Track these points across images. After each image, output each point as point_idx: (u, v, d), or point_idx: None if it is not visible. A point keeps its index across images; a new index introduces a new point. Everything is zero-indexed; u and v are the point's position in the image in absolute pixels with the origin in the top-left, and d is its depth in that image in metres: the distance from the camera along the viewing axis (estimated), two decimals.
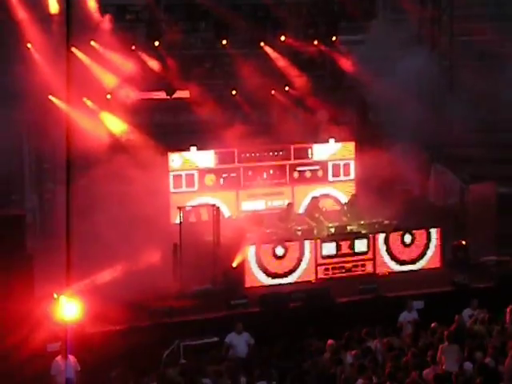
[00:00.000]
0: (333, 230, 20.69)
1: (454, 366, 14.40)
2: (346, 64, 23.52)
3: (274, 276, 19.65)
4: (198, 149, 21.68)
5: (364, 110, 23.82)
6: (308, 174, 22.79)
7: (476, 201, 21.93)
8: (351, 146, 22.87)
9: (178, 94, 22.53)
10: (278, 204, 22.07)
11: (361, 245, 20.29)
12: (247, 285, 19.38)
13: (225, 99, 22.83)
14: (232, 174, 22.09)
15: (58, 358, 14.79)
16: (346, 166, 22.91)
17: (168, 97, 22.47)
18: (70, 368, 14.19)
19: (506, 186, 21.90)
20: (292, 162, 22.58)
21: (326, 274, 19.99)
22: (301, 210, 22.41)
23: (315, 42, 23.73)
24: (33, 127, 20.71)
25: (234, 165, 22.07)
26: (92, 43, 21.01)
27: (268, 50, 23.25)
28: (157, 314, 17.39)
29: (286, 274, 19.74)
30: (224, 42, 22.72)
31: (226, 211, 21.76)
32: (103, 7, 20.95)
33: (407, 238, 20.57)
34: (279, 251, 19.71)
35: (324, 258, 20.01)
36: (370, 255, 20.31)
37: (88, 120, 20.27)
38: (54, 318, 13.93)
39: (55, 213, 19.96)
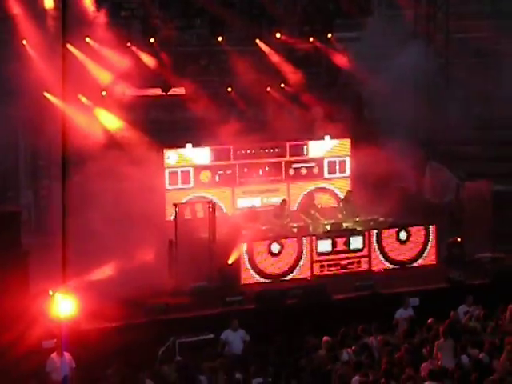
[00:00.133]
0: (328, 227, 20.70)
1: (451, 362, 14.43)
2: (341, 61, 23.54)
3: (270, 273, 19.64)
4: (194, 145, 21.66)
5: (359, 106, 23.84)
6: (303, 171, 22.79)
7: (471, 198, 21.95)
8: (347, 142, 22.87)
9: (174, 91, 22.51)
10: (273, 201, 22.06)
11: (356, 242, 20.29)
12: (243, 281, 19.37)
13: (220, 96, 22.83)
14: (228, 171, 22.07)
15: (54, 354, 14.78)
16: (342, 162, 22.91)
17: (163, 93, 22.46)
18: (66, 365, 14.19)
19: (502, 184, 21.92)
20: (287, 158, 22.58)
21: (321, 271, 19.99)
22: (296, 207, 22.42)
23: (311, 39, 23.74)
24: (28, 124, 20.69)
25: (230, 162, 22.06)
26: (87, 40, 20.99)
27: (263, 46, 23.25)
28: (152, 310, 17.37)
29: (281, 271, 19.73)
30: (219, 38, 22.72)
31: (221, 208, 21.75)
32: (98, 4, 20.91)
33: (403, 235, 20.58)
34: (275, 248, 19.69)
35: (319, 254, 20.00)
36: (365, 252, 20.31)
37: (83, 117, 20.25)
38: (50, 314, 13.93)
39: (50, 209, 19.95)
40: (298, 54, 23.77)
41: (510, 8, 25.45)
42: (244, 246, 19.40)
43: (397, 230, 20.55)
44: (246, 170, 22.20)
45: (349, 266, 20.17)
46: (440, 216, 21.46)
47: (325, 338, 15.45)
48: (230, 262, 19.23)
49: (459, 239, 21.05)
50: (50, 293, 15.85)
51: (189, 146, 21.61)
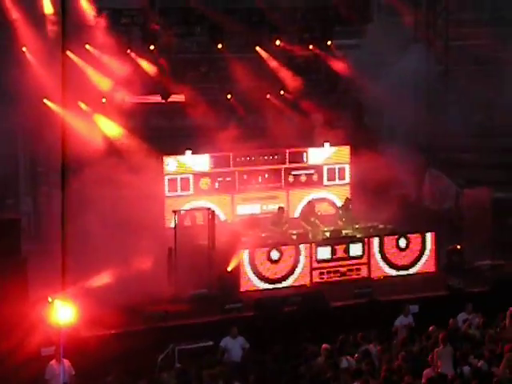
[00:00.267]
0: (328, 234, 20.69)
1: (450, 369, 14.42)
2: (341, 68, 23.55)
3: (269, 280, 19.63)
4: (193, 152, 21.68)
5: (359, 113, 23.85)
6: (303, 178, 22.80)
7: (471, 205, 21.95)
8: (346, 149, 22.88)
9: (173, 98, 22.51)
10: (273, 208, 22.08)
11: (356, 249, 20.28)
12: (242, 289, 19.35)
13: (220, 103, 22.84)
14: (227, 178, 22.08)
15: (53, 361, 14.76)
16: (341, 170, 22.93)
17: (163, 100, 22.45)
18: (65, 372, 14.18)
19: (502, 191, 21.92)
20: (287, 166, 22.60)
21: (320, 278, 19.97)
22: (296, 214, 22.42)
23: (310, 46, 23.75)
24: (28, 131, 20.68)
25: (229, 169, 22.07)
26: (87, 46, 20.99)
27: (263, 54, 23.27)
28: (152, 318, 17.35)
29: (281, 278, 19.72)
30: (219, 45, 22.73)
31: (221, 215, 21.75)
32: (98, 11, 20.92)
33: (402, 242, 20.57)
34: (274, 255, 19.68)
35: (319, 262, 19.99)
36: (364, 259, 20.30)
37: (83, 123, 20.25)
38: (49, 321, 13.91)
39: (50, 216, 19.93)
40: (298, 61, 23.79)
41: (510, 15, 25.49)
42: (245, 253, 19.39)
43: (396, 237, 20.55)
44: (245, 177, 22.21)
45: (348, 273, 20.16)
46: (439, 223, 21.44)
47: (324, 345, 15.44)
48: (229, 269, 19.22)
49: (459, 246, 21.05)
50: (50, 300, 15.84)
51: (188, 153, 21.64)
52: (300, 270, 19.82)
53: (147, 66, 22.07)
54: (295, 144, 22.57)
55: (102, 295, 16.66)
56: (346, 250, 20.18)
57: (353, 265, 20.22)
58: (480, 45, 24.43)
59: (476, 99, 22.70)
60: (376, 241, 20.42)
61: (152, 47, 22.10)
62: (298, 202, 22.61)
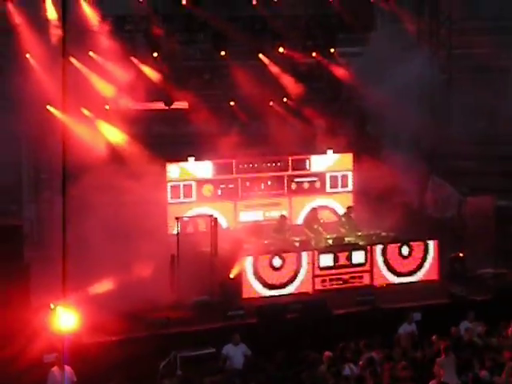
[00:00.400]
0: (330, 242, 20.69)
1: (453, 379, 14.39)
2: (343, 75, 23.56)
3: (272, 287, 19.62)
4: (196, 159, 21.70)
5: (362, 121, 23.85)
6: (306, 185, 22.80)
7: (474, 213, 21.94)
8: (349, 157, 22.89)
9: (177, 105, 22.54)
10: (275, 215, 22.09)
11: (358, 256, 20.26)
12: (244, 296, 19.34)
13: (223, 110, 22.85)
14: (230, 185, 22.09)
15: (55, 368, 14.75)
16: (344, 177, 22.93)
17: (166, 107, 22.48)
18: (67, 379, 14.17)
19: (505, 199, 21.91)
20: (290, 173, 22.60)
21: (323, 286, 19.96)
22: (299, 221, 22.41)
23: (313, 54, 23.77)
24: (31, 137, 20.71)
25: (232, 175, 22.08)
26: (90, 53, 21.02)
27: (266, 61, 23.29)
28: (154, 324, 17.34)
29: (283, 285, 19.72)
30: (222, 53, 22.76)
31: (223, 222, 21.74)
32: (102, 17, 20.96)
33: (405, 250, 20.55)
34: (276, 262, 19.68)
35: (321, 269, 19.98)
36: (367, 267, 20.28)
37: (86, 130, 20.27)
38: (51, 328, 13.94)
39: (53, 223, 19.93)
40: (301, 68, 23.81)
41: None
42: (247, 260, 19.39)
43: (399, 244, 20.54)
44: (248, 183, 22.22)
45: (350, 281, 20.15)
46: (442, 231, 21.43)
47: (326, 352, 15.43)
48: (231, 276, 19.22)
49: (461, 254, 21.03)
50: (52, 306, 15.85)
51: (191, 159, 21.65)
52: (302, 277, 19.81)
53: (150, 72, 22.09)
54: (298, 151, 22.58)
55: (104, 302, 16.66)
56: (349, 258, 20.18)
57: (355, 272, 20.20)
58: (483, 53, 24.43)
59: (479, 107, 22.72)
60: (379, 248, 20.41)
61: (155, 54, 22.13)
62: (301, 209, 22.60)
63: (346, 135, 23.02)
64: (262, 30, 22.94)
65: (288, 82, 23.41)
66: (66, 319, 12.19)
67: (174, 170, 21.46)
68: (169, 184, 21.38)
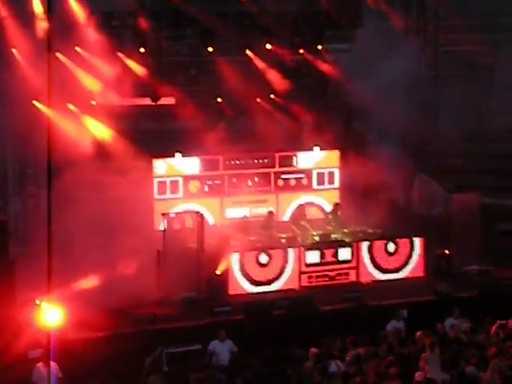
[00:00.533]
0: (317, 238, 20.70)
1: (438, 374, 14.44)
2: (331, 72, 23.57)
3: (258, 284, 19.62)
4: (183, 155, 21.65)
5: (349, 118, 23.86)
6: (292, 182, 22.80)
7: (460, 211, 21.98)
8: (336, 154, 22.89)
9: (163, 101, 22.49)
10: (262, 211, 22.08)
11: (344, 253, 20.29)
12: (231, 292, 19.33)
13: (210, 106, 22.82)
14: (216, 181, 22.06)
15: (40, 364, 14.70)
16: (331, 174, 22.93)
17: (153, 103, 22.43)
18: (52, 375, 14.12)
19: (490, 197, 21.97)
20: (277, 169, 22.58)
21: (309, 282, 19.97)
22: (286, 218, 22.41)
23: (301, 51, 23.77)
24: (17, 132, 20.61)
25: (219, 172, 22.05)
26: (77, 49, 20.94)
27: (254, 57, 23.26)
28: (140, 321, 17.32)
29: (269, 282, 19.72)
30: (210, 49, 22.72)
31: (210, 218, 21.71)
32: (89, 12, 20.87)
33: (391, 247, 20.60)
34: (263, 259, 19.68)
35: (308, 266, 19.99)
36: (353, 264, 20.32)
37: (72, 126, 20.19)
38: (36, 324, 13.88)
39: (38, 218, 19.86)
40: (288, 65, 23.79)
41: (501, 21, 25.57)
42: (234, 257, 19.37)
43: (385, 241, 20.58)
44: (235, 180, 22.19)
45: (337, 278, 20.18)
46: (428, 228, 21.47)
47: (312, 349, 15.44)
48: (218, 272, 19.21)
49: (447, 252, 21.09)
50: (37, 302, 15.79)
51: (178, 155, 21.60)
52: (288, 273, 19.83)
53: (137, 68, 22.03)
54: (284, 148, 22.56)
55: (91, 298, 16.61)
56: (335, 255, 20.20)
57: (342, 269, 20.23)
58: (470, 50, 24.50)
59: (466, 105, 22.77)
60: (365, 245, 20.45)
61: (142, 50, 22.07)
62: (288, 205, 22.58)
63: (332, 132, 23.04)
64: (249, 26, 22.90)
65: (275, 78, 23.40)
66: (51, 315, 12.14)
67: (160, 165, 21.41)
68: (155, 180, 21.33)
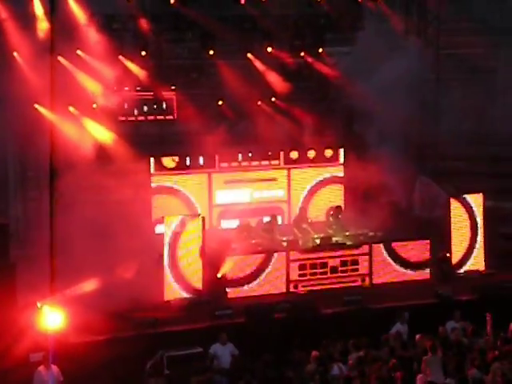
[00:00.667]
0: (318, 241, 20.67)
1: (440, 377, 14.43)
2: (332, 75, 23.58)
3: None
4: (183, 158, 21.55)
5: (350, 120, 23.85)
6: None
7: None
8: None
9: (164, 104, 22.49)
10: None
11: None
12: (230, 295, 19.28)
13: (211, 109, 22.81)
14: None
15: (41, 367, 14.69)
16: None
17: (154, 106, 22.42)
18: (53, 378, 14.11)
19: (492, 200, 21.94)
20: (281, 165, 21.65)
21: (310, 285, 19.91)
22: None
23: (302, 54, 23.79)
24: (18, 135, 20.60)
25: (215, 169, 21.10)
26: (78, 52, 20.95)
27: (254, 60, 23.28)
28: (141, 324, 17.30)
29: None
30: (211, 52, 22.74)
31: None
32: (90, 16, 20.88)
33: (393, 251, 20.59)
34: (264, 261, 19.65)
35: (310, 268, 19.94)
36: (355, 266, 20.28)
37: (73, 128, 20.19)
38: (37, 327, 13.87)
39: (39, 222, 19.85)
40: (289, 67, 23.81)
41: (501, 24, 25.55)
42: (234, 260, 19.34)
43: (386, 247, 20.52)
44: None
45: (338, 280, 20.12)
46: (429, 231, 21.45)
47: (314, 352, 15.43)
48: (219, 275, 19.18)
49: (448, 254, 21.08)
50: (38, 305, 15.78)
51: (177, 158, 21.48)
52: (290, 276, 19.74)
53: (138, 71, 22.04)
54: (286, 150, 22.52)
55: (91, 301, 16.59)
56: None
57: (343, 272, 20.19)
58: (472, 53, 24.50)
59: (467, 107, 22.73)
60: (382, 246, 20.25)
61: (143, 53, 22.10)
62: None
63: (333, 134, 23.01)
64: (250, 29, 22.94)
65: (276, 81, 23.40)
66: (52, 318, 12.16)
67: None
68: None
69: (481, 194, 21.45)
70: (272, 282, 19.43)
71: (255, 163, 21.60)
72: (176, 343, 16.79)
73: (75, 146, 19.46)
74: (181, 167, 20.88)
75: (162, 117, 22.59)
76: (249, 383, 14.36)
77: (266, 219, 21.27)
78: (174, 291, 18.97)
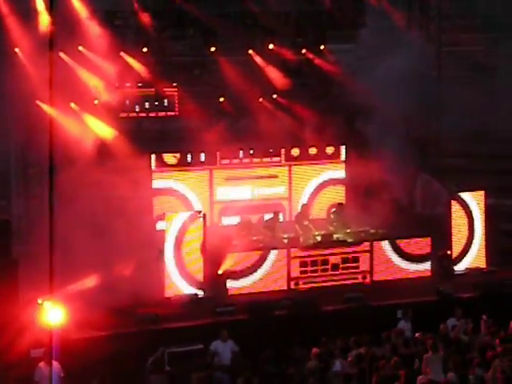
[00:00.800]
0: (319, 239, 20.68)
1: (439, 376, 14.43)
2: (333, 72, 23.57)
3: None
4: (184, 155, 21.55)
5: (351, 117, 23.84)
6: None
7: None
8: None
9: (165, 100, 22.48)
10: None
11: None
12: (231, 292, 19.29)
13: (212, 106, 22.81)
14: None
15: (42, 363, 14.73)
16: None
17: (155, 102, 22.43)
18: (54, 374, 14.14)
19: (493, 197, 21.94)
20: (283, 162, 21.59)
21: (311, 283, 19.92)
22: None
23: (303, 51, 23.78)
24: (19, 132, 20.63)
25: (216, 166, 21.05)
26: (80, 48, 20.95)
27: (256, 57, 23.27)
28: (142, 320, 17.32)
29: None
30: (212, 48, 22.74)
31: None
32: (91, 12, 20.88)
33: (396, 248, 20.58)
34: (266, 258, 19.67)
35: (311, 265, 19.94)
36: (356, 264, 20.28)
37: (75, 125, 20.19)
38: (39, 323, 13.88)
39: (41, 218, 19.86)
40: (291, 64, 23.79)
41: (503, 21, 25.52)
42: (235, 256, 19.35)
43: (390, 241, 20.51)
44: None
45: (339, 278, 20.13)
46: (431, 228, 21.45)
47: (314, 349, 15.45)
48: (220, 272, 19.20)
49: (449, 252, 21.08)
50: (40, 301, 15.80)
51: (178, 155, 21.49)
52: (291, 273, 19.76)
53: (140, 67, 22.04)
54: (287, 147, 22.51)
55: (93, 297, 16.63)
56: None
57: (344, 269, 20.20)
58: (473, 50, 24.48)
59: (469, 105, 22.70)
60: (385, 243, 20.22)
61: (145, 49, 22.09)
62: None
63: (335, 131, 23.00)
64: (252, 26, 22.93)
65: (277, 77, 23.38)
66: (53, 314, 12.15)
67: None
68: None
69: (482, 192, 21.45)
70: (273, 279, 19.42)
71: (256, 160, 21.69)
72: (177, 340, 16.82)
73: (76, 143, 19.47)
74: (182, 164, 21.03)
75: (163, 113, 22.54)
76: (249, 380, 14.39)
77: (268, 216, 21.28)
78: (175, 288, 18.98)
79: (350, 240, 20.63)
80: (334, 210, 21.96)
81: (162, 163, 20.85)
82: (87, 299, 16.37)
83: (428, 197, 23.19)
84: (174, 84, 22.46)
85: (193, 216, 19.77)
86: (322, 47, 23.86)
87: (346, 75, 22.94)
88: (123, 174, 19.67)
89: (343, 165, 22.55)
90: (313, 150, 22.38)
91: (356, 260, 20.18)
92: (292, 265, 19.68)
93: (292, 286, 19.63)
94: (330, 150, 22.62)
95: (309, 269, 19.79)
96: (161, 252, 19.26)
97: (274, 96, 23.64)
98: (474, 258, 21.24)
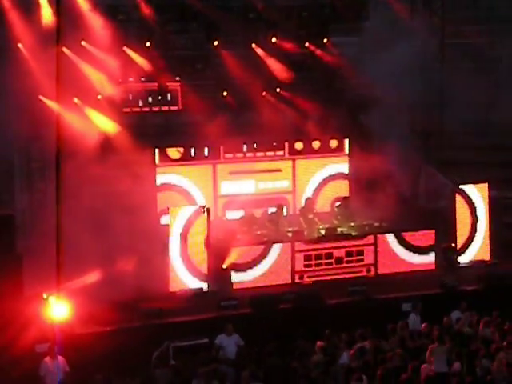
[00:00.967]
0: (323, 232, 20.67)
1: (443, 367, 14.46)
2: (337, 65, 23.54)
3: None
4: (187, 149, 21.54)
5: (355, 110, 23.82)
6: (316, 145, 21.15)
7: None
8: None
9: (169, 94, 22.47)
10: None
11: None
12: (235, 286, 19.30)
13: (215, 99, 22.80)
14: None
15: (47, 358, 14.76)
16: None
17: (158, 97, 22.42)
18: (59, 369, 14.17)
19: (497, 189, 21.92)
20: (286, 156, 21.61)
21: (315, 276, 19.93)
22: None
23: (306, 44, 23.75)
24: (22, 126, 20.63)
25: (220, 160, 21.06)
26: (83, 43, 20.95)
27: (259, 51, 23.25)
28: (147, 314, 17.34)
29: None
30: (215, 42, 22.72)
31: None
32: (94, 7, 20.86)
33: (401, 240, 20.56)
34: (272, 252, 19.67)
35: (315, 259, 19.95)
36: (360, 257, 20.28)
37: (78, 120, 20.20)
38: (44, 318, 13.91)
39: (45, 213, 19.88)
40: (294, 58, 23.76)
41: (506, 13, 25.47)
42: (239, 250, 19.35)
43: (394, 234, 20.50)
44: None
45: (343, 271, 20.13)
46: (434, 221, 21.44)
47: (319, 342, 15.46)
48: (224, 266, 19.21)
49: (453, 244, 21.08)
50: (44, 296, 15.83)
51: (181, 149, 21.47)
52: (295, 267, 19.76)
53: (143, 62, 22.03)
54: (291, 140, 22.49)
55: (97, 292, 16.64)
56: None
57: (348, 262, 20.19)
58: (476, 42, 24.44)
59: (473, 97, 22.68)
60: (390, 236, 20.19)
61: (148, 43, 22.08)
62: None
63: (338, 124, 22.98)
64: (255, 19, 22.90)
65: (281, 71, 23.36)
66: (58, 309, 12.19)
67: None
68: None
69: (486, 184, 21.43)
70: (277, 273, 19.42)
71: (260, 154, 21.68)
72: (182, 334, 16.83)
73: (80, 137, 19.47)
74: (185, 158, 21.05)
75: (166, 108, 22.54)
76: (254, 373, 14.39)
77: (272, 210, 21.27)
78: (179, 282, 19.00)
79: (354, 233, 20.62)
80: (338, 203, 21.94)
81: (165, 158, 20.88)
82: (91, 294, 16.39)
83: (432, 189, 23.17)
84: (177, 78, 22.46)
85: (197, 210, 19.83)
86: (324, 40, 23.84)
87: (349, 68, 22.91)
88: (127, 169, 19.68)
89: (347, 158, 22.52)
90: (316, 144, 22.38)
91: (360, 253, 20.18)
92: (296, 258, 19.67)
93: (296, 280, 19.63)
94: (333, 143, 22.60)
95: (313, 262, 19.79)
96: (165, 246, 19.27)
97: (277, 89, 23.63)
98: (478, 251, 21.22)
